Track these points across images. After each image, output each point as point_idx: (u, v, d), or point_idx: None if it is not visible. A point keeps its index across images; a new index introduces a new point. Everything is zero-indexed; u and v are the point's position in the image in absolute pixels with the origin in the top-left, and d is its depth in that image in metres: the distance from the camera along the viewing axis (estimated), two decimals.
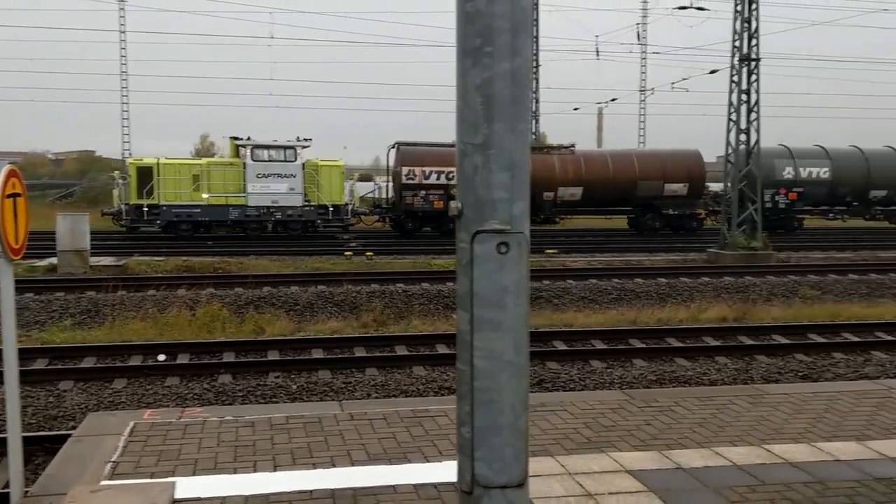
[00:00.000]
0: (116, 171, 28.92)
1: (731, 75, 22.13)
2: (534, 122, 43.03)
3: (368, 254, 22.29)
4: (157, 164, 26.34)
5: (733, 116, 22.21)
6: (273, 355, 10.85)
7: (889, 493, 4.28)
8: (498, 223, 2.46)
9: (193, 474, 4.63)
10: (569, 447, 5.03)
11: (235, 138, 27.28)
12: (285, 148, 26.85)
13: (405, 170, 28.15)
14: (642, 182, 29.37)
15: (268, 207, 26.66)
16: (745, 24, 21.76)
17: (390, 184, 30.48)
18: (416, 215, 28.62)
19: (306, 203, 27.09)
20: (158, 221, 26.54)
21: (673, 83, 39.63)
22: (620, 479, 4.50)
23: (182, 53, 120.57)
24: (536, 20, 42.26)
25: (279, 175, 26.66)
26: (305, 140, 27.16)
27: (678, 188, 29.42)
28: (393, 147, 29.42)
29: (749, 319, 14.38)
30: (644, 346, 11.65)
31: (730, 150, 22.69)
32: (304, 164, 27.13)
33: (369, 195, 33.20)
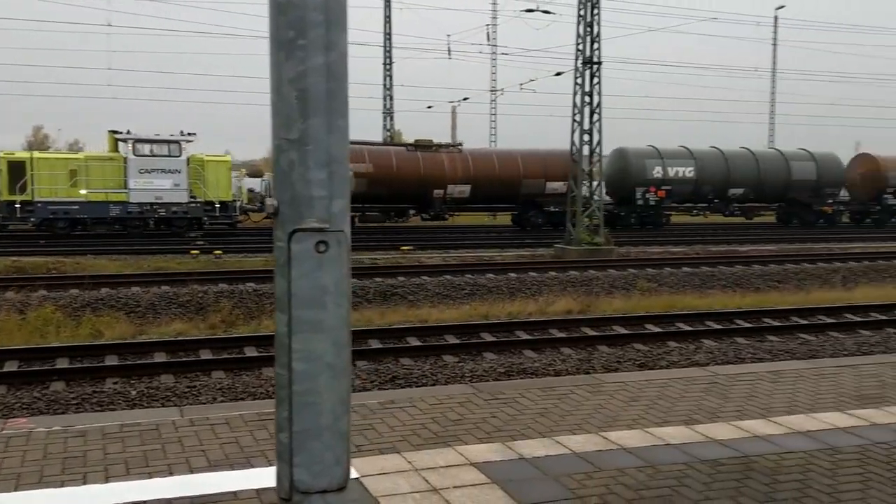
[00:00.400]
0: None
1: (575, 78, 23.02)
2: (388, 119, 43.05)
3: (217, 252, 21.59)
4: (31, 158, 25.21)
5: (577, 117, 23.10)
6: (111, 360, 10.29)
7: (713, 474, 4.56)
8: (316, 221, 2.40)
9: (15, 489, 4.31)
10: (416, 443, 5.04)
11: (115, 132, 26.11)
12: (169, 142, 25.96)
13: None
14: (526, 180, 30.52)
15: (151, 204, 25.74)
16: (588, 29, 22.68)
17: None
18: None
19: (192, 199, 26.29)
20: (32, 219, 25.27)
21: (521, 84, 40.97)
22: (465, 472, 4.55)
23: (9, 41, 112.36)
24: (388, 17, 42.33)
25: (163, 170, 25.75)
26: (190, 135, 26.41)
27: (558, 186, 30.33)
28: None
29: (592, 311, 15.01)
30: (494, 339, 11.92)
31: (574, 150, 23.58)
32: (189, 160, 26.33)
33: (258, 192, 32.37)
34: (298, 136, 2.43)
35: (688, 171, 32.93)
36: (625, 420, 5.56)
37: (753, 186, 34.16)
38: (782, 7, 65.06)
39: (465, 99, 64.30)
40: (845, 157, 37.45)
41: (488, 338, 12.00)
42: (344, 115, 2.50)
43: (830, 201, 35.71)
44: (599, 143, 23.29)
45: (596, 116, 23.08)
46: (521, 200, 31.24)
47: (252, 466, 4.67)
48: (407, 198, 29.88)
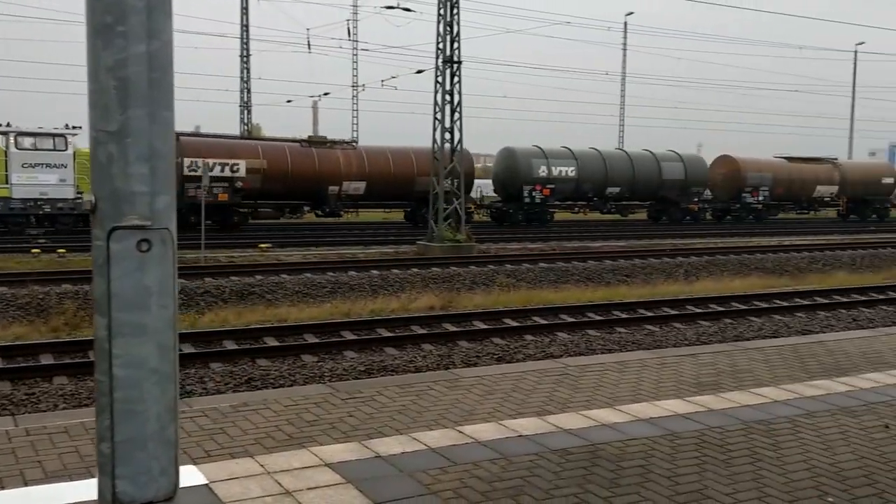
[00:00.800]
0: None
1: (436, 76, 23.24)
2: (245, 112, 41.97)
3: (60, 251, 20.35)
4: None
5: (438, 115, 23.34)
6: None
7: (562, 463, 4.71)
8: (137, 218, 2.28)
9: None
10: (269, 446, 4.93)
11: None
12: (53, 136, 24.87)
13: (188, 161, 27.07)
14: (419, 178, 30.47)
15: (35, 200, 24.53)
16: (448, 28, 22.95)
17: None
18: (199, 208, 27.92)
19: (79, 195, 24.92)
20: None
21: (383, 80, 41.00)
22: (320, 473, 4.50)
23: None
24: (246, 8, 41.25)
25: (48, 165, 24.62)
26: (75, 128, 25.25)
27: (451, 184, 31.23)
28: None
29: (454, 307, 15.21)
30: (356, 337, 11.84)
31: (436, 148, 23.80)
32: (75, 154, 25.15)
33: None
34: (118, 128, 2.28)
35: (570, 171, 34.40)
36: (480, 414, 5.65)
37: (629, 185, 36.02)
38: (631, 13, 68.30)
39: (325, 94, 63.53)
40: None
41: (349, 336, 11.92)
42: (169, 106, 2.37)
43: (696, 199, 38.12)
44: (460, 141, 23.63)
45: (457, 115, 23.40)
46: (415, 197, 31.55)
47: (93, 476, 4.42)
48: (301, 194, 29.66)
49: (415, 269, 18.96)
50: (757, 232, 33.35)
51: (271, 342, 11.41)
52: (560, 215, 37.17)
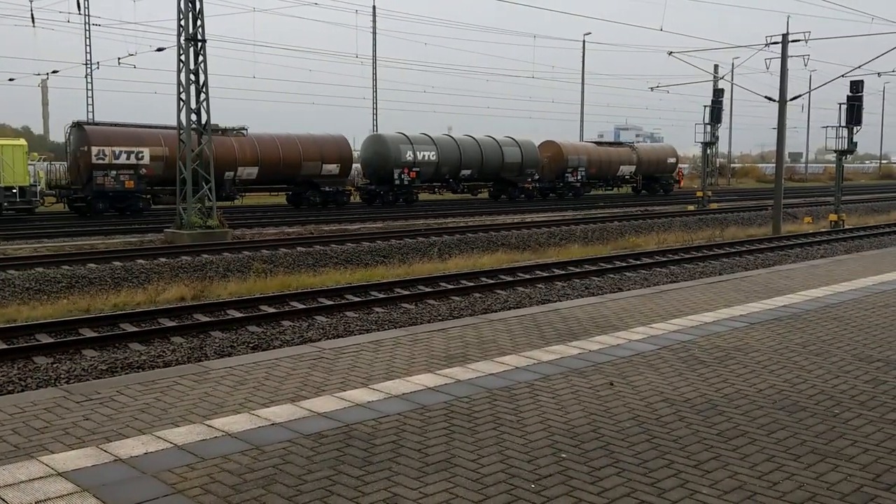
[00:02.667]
0: None
1: (179, 54, 22.07)
2: None
3: None
4: None
5: (183, 95, 22.21)
6: None
7: (316, 447, 4.70)
8: None
9: None
10: None
11: None
12: None
13: (95, 150, 28.32)
14: (306, 163, 34.20)
15: None
16: (190, 4, 21.85)
17: (63, 164, 30.31)
18: (108, 195, 28.87)
19: None
20: None
21: (120, 58, 38.43)
22: (52, 483, 4.13)
23: None
24: None
25: None
26: None
27: (332, 168, 35.11)
28: (73, 126, 29.33)
29: (207, 297, 14.65)
30: (96, 334, 11.02)
31: (181, 130, 22.64)
32: None
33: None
34: None
35: (431, 156, 38.66)
36: (231, 405, 5.49)
37: (478, 168, 40.98)
38: None
39: (54, 72, 57.95)
40: None
41: (89, 334, 11.07)
42: None
43: (530, 180, 43.24)
44: (208, 122, 22.65)
45: (203, 95, 22.39)
46: (300, 181, 34.63)
47: None
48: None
49: (163, 259, 18.00)
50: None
51: None
52: (423, 196, 41.43)
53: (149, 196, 30.57)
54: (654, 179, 51.47)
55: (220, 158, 29.81)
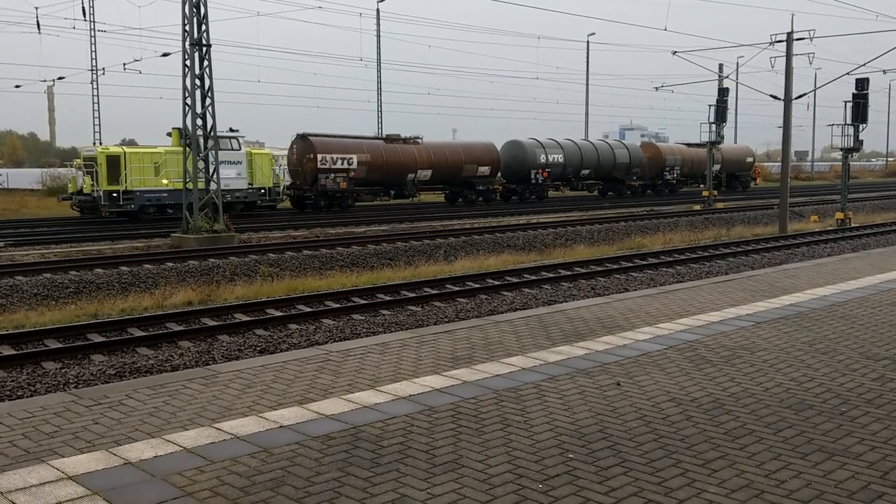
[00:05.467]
0: (77, 160, 30.29)
1: (184, 60, 22.15)
2: None
3: None
4: (124, 153, 28.64)
5: (188, 101, 22.29)
6: None
7: (324, 449, 4.72)
8: None
9: None
10: (2, 463, 4.48)
11: (179, 129, 26.77)
12: (231, 138, 30.37)
13: (320, 157, 33.81)
14: (466, 166, 39.40)
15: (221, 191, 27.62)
16: (195, 10, 21.93)
17: (284, 169, 35.54)
18: (327, 194, 34.35)
19: (249, 186, 31.35)
20: (133, 206, 28.49)
21: (125, 64, 38.59)
22: (62, 487, 4.16)
23: None
24: None
25: (229, 162, 29.45)
26: (233, 131, 30.84)
27: (485, 170, 40.26)
28: (298, 137, 34.68)
29: (213, 301, 14.70)
30: (104, 339, 11.08)
31: (187, 135, 22.70)
32: (246, 153, 31.31)
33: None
34: None
35: (559, 158, 43.78)
36: (239, 408, 5.51)
37: (595, 168, 46.02)
38: (383, 0, 69.42)
39: (60, 78, 58.16)
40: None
41: (97, 338, 11.12)
42: None
43: (635, 178, 48.02)
44: (213, 127, 22.72)
45: (208, 100, 22.46)
46: (459, 181, 40.02)
47: None
48: (389, 181, 37.28)
49: (170, 264, 18.05)
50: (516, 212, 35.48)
51: (6, 351, 10.37)
52: (551, 193, 45.40)
53: (355, 194, 35.94)
54: (734, 177, 55.29)
55: (404, 163, 36.69)
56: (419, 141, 38.38)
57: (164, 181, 29.07)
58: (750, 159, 57.26)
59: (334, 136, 35.49)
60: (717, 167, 51.26)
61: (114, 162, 28.25)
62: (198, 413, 5.41)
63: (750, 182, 57.14)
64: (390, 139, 37.95)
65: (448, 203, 41.24)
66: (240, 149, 31.00)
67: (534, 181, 42.62)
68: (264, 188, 32.19)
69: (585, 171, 45.86)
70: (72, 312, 13.55)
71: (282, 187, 33.49)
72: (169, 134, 30.58)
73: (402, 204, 39.77)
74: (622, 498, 4.00)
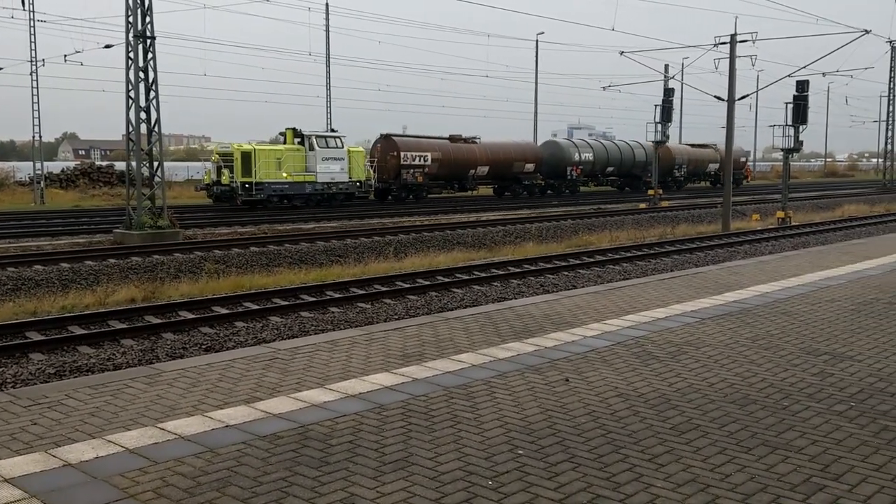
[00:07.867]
0: (215, 156, 33.50)
1: (127, 52, 21.65)
2: None
3: None
4: (255, 150, 32.21)
5: (132, 94, 21.80)
6: None
7: (271, 448, 4.64)
8: None
9: None
10: None
11: (293, 129, 33.99)
12: (336, 137, 35.18)
13: (403, 154, 38.31)
14: (516, 163, 44.48)
15: (327, 183, 34.31)
16: (139, 1, 21.45)
17: (371, 165, 37.88)
18: (409, 187, 38.92)
19: (350, 180, 35.39)
20: (262, 195, 32.17)
21: (66, 55, 37.56)
22: None
23: None
24: None
25: (335, 158, 34.47)
26: (334, 131, 35.84)
27: (530, 167, 45.38)
28: (382, 137, 39.38)
29: (158, 298, 14.41)
30: (44, 337, 10.77)
31: (131, 129, 22.21)
32: (348, 150, 35.20)
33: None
34: None
35: (590, 156, 49.07)
36: (184, 408, 5.40)
37: (618, 166, 51.47)
38: None
39: None
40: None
41: (36, 337, 10.80)
42: None
43: (650, 175, 48.05)
44: (158, 121, 22.26)
45: (153, 94, 22.00)
46: (509, 177, 44.80)
47: None
48: (454, 176, 41.90)
49: (112, 260, 17.65)
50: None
51: None
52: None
53: (428, 189, 40.45)
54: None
55: (466, 160, 41.47)
56: (477, 141, 43.09)
57: (284, 174, 32.82)
58: (743, 158, 61.33)
59: (412, 136, 40.69)
60: (716, 166, 57.91)
61: (247, 158, 31.82)
62: (141, 413, 5.28)
63: (742, 179, 60.60)
64: (454, 139, 42.06)
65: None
66: (342, 147, 34.86)
67: (569, 177, 47.83)
68: (360, 181, 35.99)
69: (610, 169, 51.29)
70: (10, 310, 13.15)
71: (374, 181, 36.95)
72: (282, 133, 34.61)
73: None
74: (571, 493, 4.02)
